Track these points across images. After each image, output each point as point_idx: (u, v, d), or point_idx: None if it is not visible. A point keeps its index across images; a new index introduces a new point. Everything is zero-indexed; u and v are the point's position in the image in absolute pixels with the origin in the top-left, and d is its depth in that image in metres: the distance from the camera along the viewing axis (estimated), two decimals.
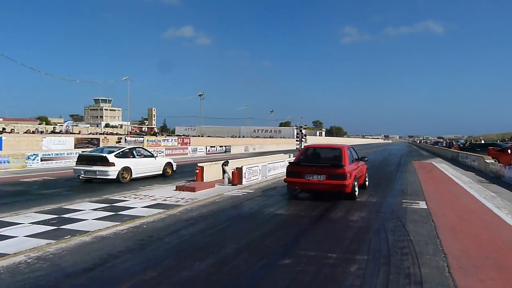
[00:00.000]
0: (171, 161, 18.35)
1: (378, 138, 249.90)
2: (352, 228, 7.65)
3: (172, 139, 43.95)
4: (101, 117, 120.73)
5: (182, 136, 51.70)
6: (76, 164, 15.11)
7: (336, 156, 11.28)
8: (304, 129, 31.24)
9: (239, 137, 77.24)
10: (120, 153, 15.11)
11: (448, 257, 5.69)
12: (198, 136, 60.22)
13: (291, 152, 28.36)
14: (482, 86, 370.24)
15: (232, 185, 13.73)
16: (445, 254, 5.86)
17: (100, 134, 42.77)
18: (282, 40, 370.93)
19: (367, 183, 13.68)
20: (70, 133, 37.67)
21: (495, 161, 21.84)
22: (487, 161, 21.50)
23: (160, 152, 32.77)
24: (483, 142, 47.21)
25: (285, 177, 11.46)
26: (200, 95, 67.21)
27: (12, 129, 37.41)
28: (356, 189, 11.19)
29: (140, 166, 15.67)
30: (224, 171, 14.22)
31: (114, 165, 14.43)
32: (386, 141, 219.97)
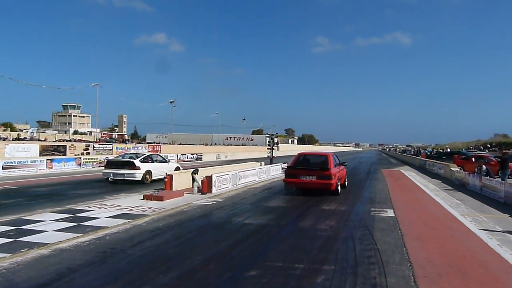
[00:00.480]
0: (179, 165, 20.51)
1: (349, 146, 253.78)
2: (320, 237, 7.61)
3: (142, 147, 43.26)
4: (70, 123, 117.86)
5: (153, 144, 51.06)
6: (105, 168, 17.92)
7: (323, 161, 13.88)
8: (276, 137, 31.21)
9: (211, 144, 76.88)
10: (143, 158, 17.52)
11: (414, 266, 5.72)
12: (170, 143, 59.57)
13: (262, 160, 28.33)
14: (447, 95, 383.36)
15: (201, 194, 13.53)
16: (411, 263, 5.89)
17: (67, 141, 41.65)
18: (255, 49, 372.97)
19: (346, 183, 16.20)
20: (37, 140, 36.50)
21: (460, 169, 22.46)
22: (452, 169, 22.07)
23: None
24: (449, 150, 48.55)
25: (284, 178, 14.09)
26: (171, 102, 66.54)
27: None
28: (339, 187, 13.91)
29: (158, 170, 17.76)
30: (193, 180, 14.00)
31: (140, 169, 16.88)
32: (356, 149, 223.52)
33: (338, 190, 13.66)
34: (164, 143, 62.18)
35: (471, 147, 66.44)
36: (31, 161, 23.70)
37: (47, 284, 4.91)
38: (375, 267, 5.70)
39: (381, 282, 5.06)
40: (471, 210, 11.33)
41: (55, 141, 40.34)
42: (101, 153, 33.59)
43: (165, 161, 19.30)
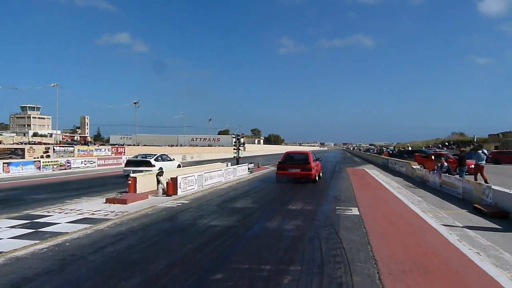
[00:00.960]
0: (179, 162, 24.99)
1: (315, 146, 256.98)
2: (286, 237, 7.60)
3: (105, 149, 42.18)
4: (29, 125, 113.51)
5: (117, 146, 49.91)
6: (125, 166, 22.48)
7: (305, 157, 18.51)
8: (242, 137, 31.18)
9: (177, 145, 76.03)
10: (155, 158, 22.18)
11: (379, 264, 5.78)
12: (134, 145, 58.39)
13: (229, 160, 28.21)
14: (408, 95, 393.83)
15: (166, 196, 13.27)
16: (375, 260, 5.95)
17: (25, 144, 40.04)
18: (220, 49, 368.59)
19: (321, 174, 20.30)
20: None
21: (421, 166, 23.16)
22: (413, 167, 22.71)
23: (92, 162, 31.36)
24: (410, 149, 50.03)
25: (276, 170, 18.69)
26: (135, 103, 65.30)
27: None
28: (317, 177, 18.37)
29: (166, 166, 20.95)
30: (158, 181, 13.72)
31: (155, 166, 20.72)
32: (322, 148, 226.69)
33: (316, 179, 18.15)
34: (128, 145, 60.94)
35: (430, 146, 68.79)
36: None
37: None
38: (341, 266, 5.72)
39: (347, 281, 5.07)
40: (431, 206, 11.65)
41: (13, 143, 38.63)
42: (62, 156, 32.45)
43: (171, 160, 23.94)
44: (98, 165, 31.54)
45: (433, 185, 17.10)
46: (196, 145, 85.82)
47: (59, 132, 73.37)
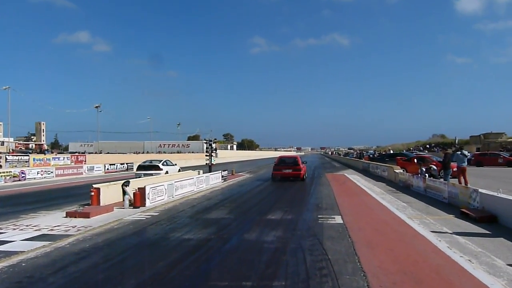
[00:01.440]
0: (179, 167, 29.90)
1: (291, 151, 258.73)
2: (267, 250, 7.50)
3: (64, 157, 41.13)
4: None
5: (77, 154, 48.88)
6: (137, 170, 26.64)
7: (295, 161, 24.85)
8: (214, 142, 30.98)
9: (143, 153, 75.04)
10: (162, 163, 27.14)
11: (368, 276, 5.74)
12: (96, 152, 57.24)
13: (200, 168, 27.99)
14: (386, 97, 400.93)
15: (134, 208, 12.98)
16: (364, 272, 5.92)
17: None
18: (189, 49, 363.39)
19: (306, 175, 25.87)
20: None
21: (404, 170, 23.55)
22: (396, 171, 23.07)
23: (49, 172, 30.48)
24: (391, 152, 50.92)
25: (272, 171, 24.47)
26: (96, 107, 64.01)
27: None
28: (305, 177, 24.48)
29: (171, 170, 26.33)
30: (124, 192, 13.41)
31: (162, 170, 25.51)
32: (298, 153, 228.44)
33: (304, 178, 24.23)
34: (90, 153, 59.70)
35: (411, 148, 70.41)
36: None
37: None
38: (327, 279, 5.65)
39: None
40: (417, 212, 11.81)
41: None
42: (16, 166, 31.39)
43: (174, 165, 28.88)
44: (57, 176, 30.69)
45: (417, 190, 17.38)
46: (164, 152, 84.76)
47: (11, 139, 71.11)
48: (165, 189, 15.19)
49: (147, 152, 77.48)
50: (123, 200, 13.36)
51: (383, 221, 10.42)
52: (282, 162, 25.38)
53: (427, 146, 69.92)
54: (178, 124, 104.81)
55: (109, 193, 13.91)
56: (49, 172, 30.46)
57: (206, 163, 29.00)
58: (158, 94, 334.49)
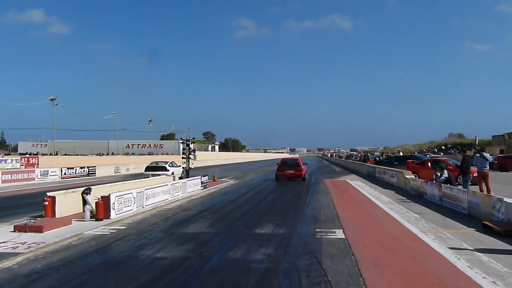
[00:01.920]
0: (182, 168, 31.52)
1: (283, 152, 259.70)
2: (256, 270, 7.49)
3: (12, 160, 40.73)
4: None
5: (27, 156, 48.37)
6: (145, 171, 32.82)
7: (297, 162, 31.98)
8: (192, 142, 30.80)
9: (108, 154, 74.56)
10: (169, 164, 33.87)
11: None
12: (51, 154, 56.76)
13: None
14: (394, 90, 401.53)
15: (96, 221, 12.92)
16: None
17: None
18: (163, 32, 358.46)
19: (306, 175, 32.10)
20: None
21: (415, 176, 23.71)
22: (407, 176, 23.22)
23: None
24: (401, 154, 51.29)
25: (276, 172, 30.53)
26: (52, 99, 63.33)
27: None
28: (306, 177, 31.16)
29: (176, 171, 31.66)
30: (85, 202, 13.33)
31: (169, 171, 31.48)
32: (292, 155, 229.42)
33: (305, 177, 30.83)
34: (43, 154, 59.17)
35: (424, 150, 71.01)
36: None
37: None
38: None
39: None
40: (432, 225, 11.89)
41: None
42: None
43: (178, 166, 33.32)
44: (3, 182, 30.35)
45: (431, 199, 17.51)
46: (133, 154, 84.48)
47: None
48: (134, 197, 15.13)
49: (113, 154, 77.09)
50: (83, 211, 13.29)
51: (392, 236, 10.46)
52: (284, 163, 32.26)
53: (443, 147, 70.58)
54: (150, 121, 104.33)
55: (67, 203, 13.82)
56: None
57: (183, 167, 28.88)
58: (126, 85, 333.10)
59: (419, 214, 13.99)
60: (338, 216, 13.57)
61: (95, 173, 42.79)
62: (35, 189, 26.50)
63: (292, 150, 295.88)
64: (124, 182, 20.87)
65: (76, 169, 40.58)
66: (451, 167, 23.32)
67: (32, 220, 12.45)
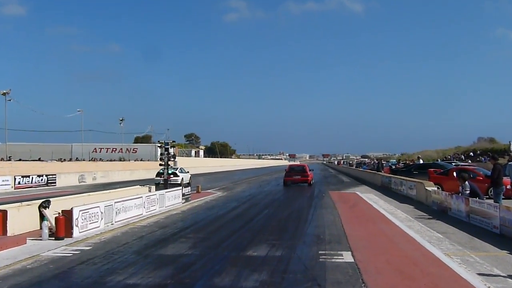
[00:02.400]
0: (190, 174, 45.29)
1: (281, 159, 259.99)
2: None
3: None
4: None
5: None
6: (156, 177, 35.64)
7: (303, 168, 42.85)
8: (172, 146, 30.68)
9: (71, 160, 74.29)
10: (178, 170, 40.57)
11: None
12: (2, 159, 56.45)
13: (152, 182, 27.84)
14: (414, 88, 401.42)
15: (56, 240, 12.91)
16: None
17: None
18: (137, 13, 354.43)
19: (312, 181, 41.28)
20: None
21: (438, 188, 23.68)
22: (428, 188, 23.19)
23: None
24: (421, 162, 51.24)
25: (284, 177, 40.91)
26: (4, 93, 63.08)
27: None
28: (312, 182, 40.90)
29: (186, 178, 42.07)
30: (42, 217, 13.28)
31: (179, 176, 40.37)
32: (292, 162, 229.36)
33: (311, 183, 39.68)
34: None
35: (449, 157, 71.13)
36: None
37: None
38: None
39: None
40: (458, 247, 11.91)
41: None
42: None
43: (187, 172, 44.28)
44: None
45: (457, 215, 17.52)
46: (101, 159, 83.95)
47: None
48: (102, 212, 15.11)
49: (77, 159, 76.70)
50: (41, 228, 13.24)
51: (410, 260, 10.48)
52: (292, 170, 42.06)
53: (471, 153, 70.81)
54: (121, 120, 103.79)
55: (21, 218, 13.82)
56: None
57: (162, 178, 28.85)
58: (94, 77, 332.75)
59: (442, 233, 14.01)
60: (346, 236, 13.57)
61: (55, 183, 42.74)
62: None
63: (292, 156, 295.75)
64: (90, 193, 20.84)
65: (32, 178, 40.52)
66: (481, 178, 23.36)
67: None
